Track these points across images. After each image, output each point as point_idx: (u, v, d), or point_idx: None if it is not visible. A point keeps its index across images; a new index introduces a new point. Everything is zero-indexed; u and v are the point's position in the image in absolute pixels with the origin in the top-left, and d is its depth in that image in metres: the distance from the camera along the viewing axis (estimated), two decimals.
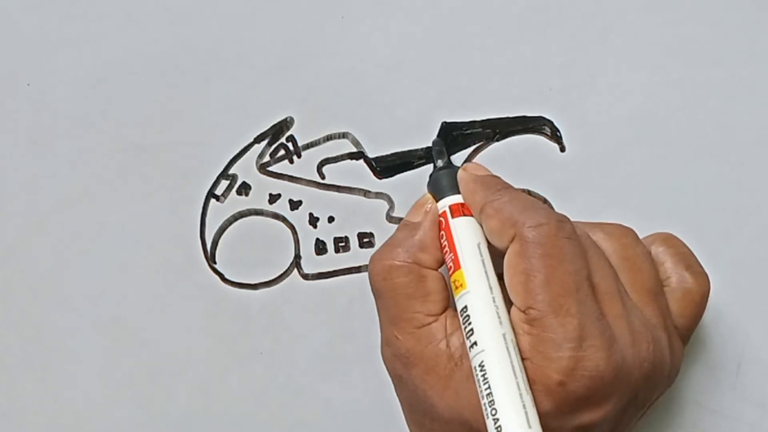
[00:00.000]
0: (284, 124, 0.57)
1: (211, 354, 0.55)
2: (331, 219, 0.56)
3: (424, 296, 0.42)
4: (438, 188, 0.45)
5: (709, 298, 0.48)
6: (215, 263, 0.56)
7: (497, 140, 0.55)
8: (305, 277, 0.55)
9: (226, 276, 0.56)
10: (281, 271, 0.55)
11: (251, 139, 0.57)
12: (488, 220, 0.42)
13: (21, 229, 0.57)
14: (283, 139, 0.56)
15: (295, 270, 0.55)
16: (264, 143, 0.56)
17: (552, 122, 0.55)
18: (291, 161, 0.56)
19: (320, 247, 0.56)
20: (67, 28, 0.58)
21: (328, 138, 0.56)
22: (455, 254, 0.42)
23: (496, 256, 0.42)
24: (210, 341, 0.55)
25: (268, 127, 0.56)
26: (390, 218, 0.55)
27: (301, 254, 0.56)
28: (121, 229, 0.56)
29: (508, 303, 0.41)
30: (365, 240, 0.55)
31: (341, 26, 0.57)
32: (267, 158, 0.56)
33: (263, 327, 0.55)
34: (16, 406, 0.56)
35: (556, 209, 0.54)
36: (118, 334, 0.56)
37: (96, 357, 0.56)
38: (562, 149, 0.55)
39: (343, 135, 0.56)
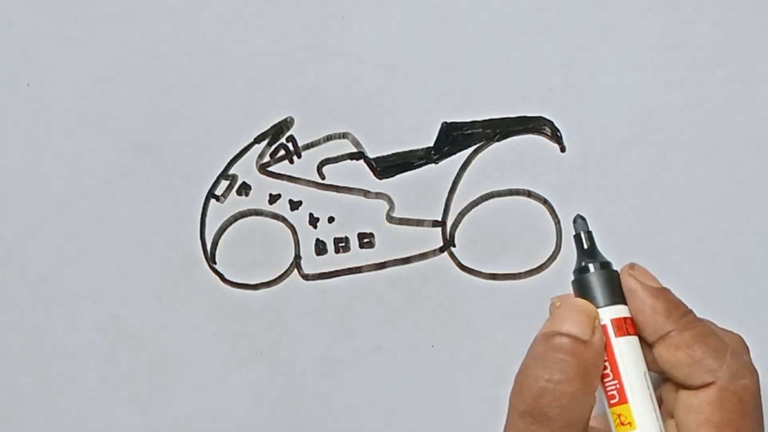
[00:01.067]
0: (284, 124, 0.56)
1: (211, 354, 0.55)
2: (331, 219, 0.56)
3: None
4: (596, 293, 0.38)
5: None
6: (215, 263, 0.56)
7: (497, 140, 0.55)
8: (305, 277, 0.55)
9: (226, 276, 0.56)
10: (281, 272, 0.55)
11: (251, 139, 0.56)
12: (675, 352, 0.38)
13: (21, 229, 0.57)
14: (283, 139, 0.56)
15: (295, 270, 0.55)
16: (264, 143, 0.56)
17: (552, 122, 0.55)
18: (291, 161, 0.56)
19: (320, 248, 0.56)
20: (67, 28, 0.58)
21: (328, 138, 0.56)
22: (620, 383, 0.37)
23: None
24: (210, 341, 0.55)
25: (268, 127, 0.56)
26: (390, 218, 0.55)
27: (301, 254, 0.56)
28: (121, 229, 0.56)
29: None
30: (365, 240, 0.55)
31: (341, 26, 0.57)
32: (267, 158, 0.56)
33: (263, 327, 0.55)
34: (16, 406, 0.56)
35: (556, 209, 0.54)
36: (118, 334, 0.56)
37: (96, 357, 0.56)
38: (562, 149, 0.55)
39: (343, 135, 0.56)
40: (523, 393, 0.37)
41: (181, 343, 0.55)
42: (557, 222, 0.54)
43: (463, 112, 0.56)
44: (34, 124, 0.57)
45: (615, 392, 0.37)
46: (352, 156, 0.56)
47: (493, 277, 0.54)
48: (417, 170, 0.55)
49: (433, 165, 0.55)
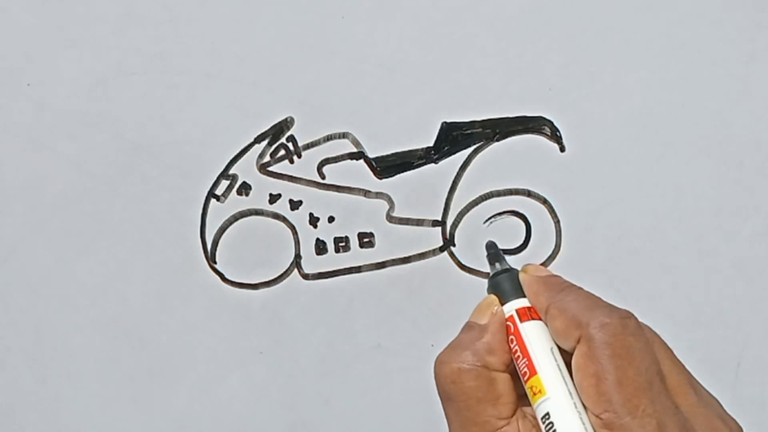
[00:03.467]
0: (284, 124, 0.57)
1: (211, 354, 0.55)
2: (331, 219, 0.56)
3: (495, 399, 0.41)
4: (502, 291, 0.44)
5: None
6: (215, 263, 0.56)
7: (497, 140, 0.55)
8: (305, 277, 0.55)
9: (227, 276, 0.56)
10: (281, 271, 0.55)
11: (251, 139, 0.57)
12: (553, 321, 0.41)
13: (21, 229, 0.57)
14: (283, 139, 0.56)
15: (296, 270, 0.55)
16: (264, 143, 0.56)
17: (552, 122, 0.55)
18: (291, 161, 0.56)
19: (320, 247, 0.56)
20: (67, 28, 0.58)
21: (328, 138, 0.56)
22: (529, 360, 0.41)
23: (565, 355, 0.42)
24: (210, 341, 0.55)
25: (268, 127, 0.57)
26: (390, 218, 0.55)
27: (302, 254, 0.56)
28: (121, 229, 0.56)
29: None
30: (365, 240, 0.55)
31: (341, 26, 0.57)
32: (267, 158, 0.57)
33: (263, 327, 0.55)
34: (16, 406, 0.56)
35: (556, 209, 0.55)
36: (118, 334, 0.56)
37: (96, 357, 0.56)
38: (562, 149, 0.55)
39: (343, 135, 0.56)
40: (440, 376, 0.42)
41: (181, 343, 0.56)
42: (557, 222, 0.54)
43: (463, 112, 0.56)
44: (34, 124, 0.57)
45: (526, 369, 0.41)
46: (352, 156, 0.56)
47: None
48: (417, 170, 0.55)
49: (433, 165, 0.55)
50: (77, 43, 0.58)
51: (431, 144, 0.56)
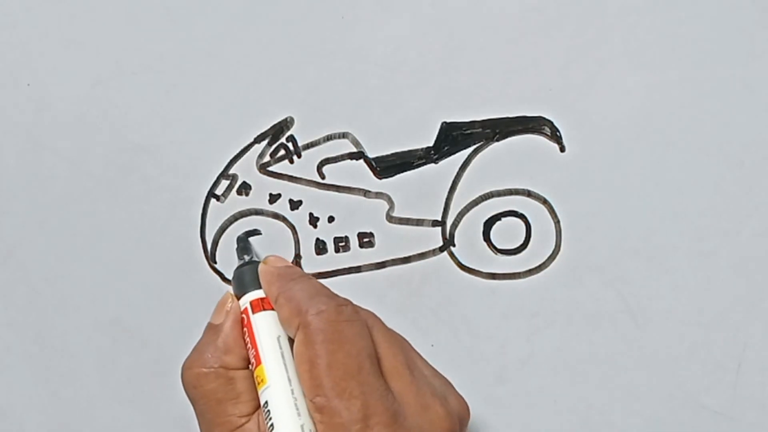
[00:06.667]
0: (284, 124, 0.57)
1: None
2: (331, 219, 0.56)
3: (234, 399, 0.43)
4: (240, 285, 0.45)
5: None
6: (215, 263, 0.56)
7: (497, 140, 0.55)
8: None
9: (227, 276, 0.56)
10: None
11: (251, 139, 0.57)
12: (280, 310, 0.42)
13: (21, 229, 0.57)
14: (283, 139, 0.56)
15: None
16: (264, 143, 0.56)
17: (552, 122, 0.55)
18: (291, 161, 0.56)
19: (320, 247, 0.56)
20: (67, 28, 0.58)
21: (328, 138, 0.56)
22: (256, 350, 0.42)
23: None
24: None
25: (268, 127, 0.57)
26: (390, 218, 0.55)
27: (302, 254, 0.56)
28: (121, 229, 0.56)
29: None
30: (365, 240, 0.55)
31: (341, 26, 0.57)
32: (267, 158, 0.57)
33: None
34: (16, 406, 0.56)
35: (556, 209, 0.55)
36: (118, 334, 0.56)
37: (96, 357, 0.56)
38: (562, 149, 0.55)
39: (343, 135, 0.56)
40: (184, 382, 0.44)
41: (181, 343, 0.55)
42: (557, 222, 0.54)
43: (463, 112, 0.56)
44: (34, 124, 0.57)
45: (254, 359, 0.42)
46: (352, 156, 0.56)
47: (493, 276, 0.54)
48: (417, 170, 0.55)
49: (432, 165, 0.55)
50: (77, 43, 0.58)
51: (431, 144, 0.56)
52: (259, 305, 0.43)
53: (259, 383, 0.42)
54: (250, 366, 0.43)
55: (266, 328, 0.43)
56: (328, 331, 0.40)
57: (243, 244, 0.48)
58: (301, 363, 0.40)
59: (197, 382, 0.43)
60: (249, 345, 0.43)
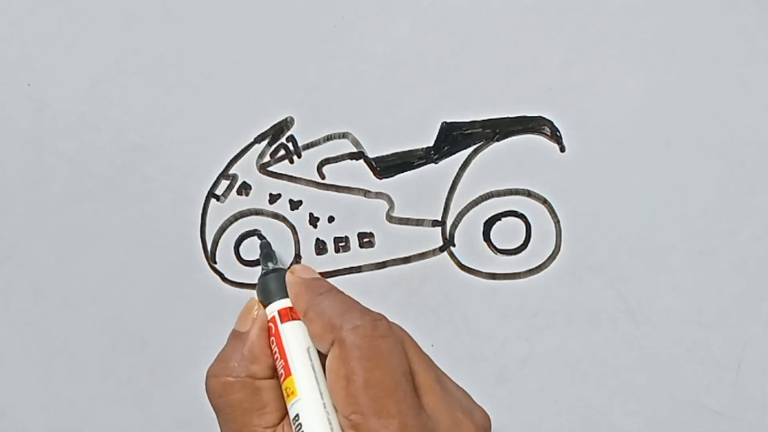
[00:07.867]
0: (284, 124, 0.57)
1: (211, 354, 0.55)
2: (331, 219, 0.56)
3: (260, 409, 0.42)
4: (266, 293, 0.44)
5: None
6: (215, 263, 0.56)
7: (497, 140, 0.55)
8: None
9: (226, 276, 0.56)
10: None
11: (251, 139, 0.57)
12: (310, 325, 0.42)
13: (21, 229, 0.57)
14: (283, 139, 0.56)
15: None
16: (264, 143, 0.56)
17: (552, 122, 0.55)
18: (291, 161, 0.56)
19: (320, 247, 0.56)
20: (67, 28, 0.58)
21: (328, 138, 0.56)
22: (285, 361, 0.42)
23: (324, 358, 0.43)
24: (210, 341, 0.55)
25: (268, 127, 0.57)
26: (390, 218, 0.55)
27: (302, 254, 0.56)
28: (121, 229, 0.56)
29: None
30: (365, 240, 0.55)
31: (341, 26, 0.57)
32: (267, 158, 0.57)
33: None
34: (16, 406, 0.56)
35: (556, 209, 0.55)
36: (118, 334, 0.56)
37: (96, 357, 0.56)
38: (562, 149, 0.55)
39: (343, 135, 0.56)
40: (208, 391, 0.43)
41: (181, 343, 0.56)
42: (557, 222, 0.54)
43: (463, 112, 0.56)
44: (34, 124, 0.57)
45: (282, 370, 0.41)
46: (352, 156, 0.56)
47: (493, 276, 0.54)
48: (417, 170, 0.55)
49: (433, 165, 0.55)
50: (77, 43, 0.58)
51: (431, 144, 0.56)
52: (287, 315, 0.43)
53: (288, 395, 0.41)
54: (278, 377, 0.42)
55: (295, 339, 0.42)
56: (364, 347, 0.39)
57: (267, 250, 0.47)
58: (336, 379, 0.39)
59: (223, 390, 0.43)
60: (277, 355, 0.42)
